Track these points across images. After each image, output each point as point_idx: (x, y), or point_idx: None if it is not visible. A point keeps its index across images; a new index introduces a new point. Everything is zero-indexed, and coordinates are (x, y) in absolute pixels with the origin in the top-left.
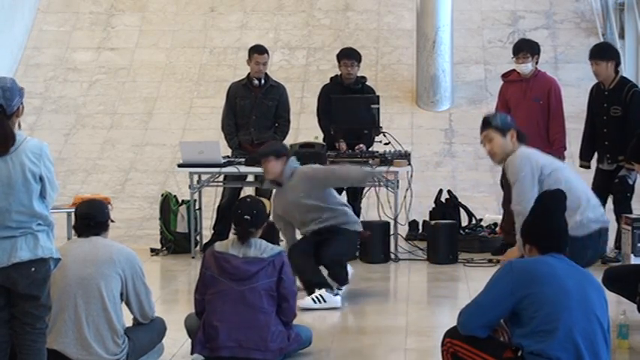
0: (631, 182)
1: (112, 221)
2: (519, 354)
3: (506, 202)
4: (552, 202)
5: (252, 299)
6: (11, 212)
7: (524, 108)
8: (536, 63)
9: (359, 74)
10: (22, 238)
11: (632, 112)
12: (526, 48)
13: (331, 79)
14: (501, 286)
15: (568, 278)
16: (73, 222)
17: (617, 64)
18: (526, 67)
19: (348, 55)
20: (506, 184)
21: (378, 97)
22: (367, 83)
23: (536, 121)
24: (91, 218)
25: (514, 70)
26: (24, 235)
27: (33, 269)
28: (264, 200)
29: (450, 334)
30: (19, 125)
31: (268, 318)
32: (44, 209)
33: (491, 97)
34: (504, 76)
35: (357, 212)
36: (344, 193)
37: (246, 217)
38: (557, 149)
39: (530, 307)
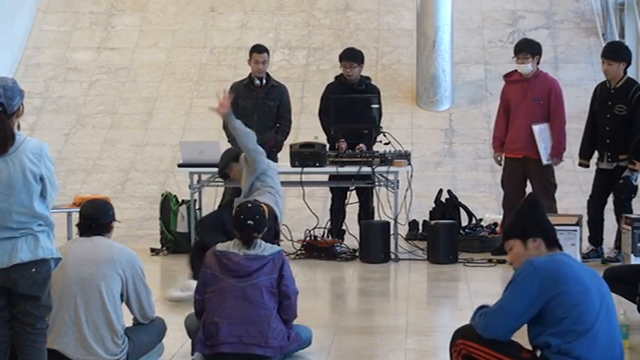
0: (635, 183)
1: (118, 222)
2: (538, 354)
3: (507, 202)
4: None
5: (253, 295)
6: (12, 213)
7: (525, 108)
8: (538, 63)
9: (362, 74)
10: (22, 239)
11: (638, 113)
12: (526, 49)
13: (336, 77)
14: (528, 289)
15: (586, 278)
16: (77, 220)
17: (628, 64)
18: (526, 68)
19: (348, 57)
20: (506, 184)
21: (378, 97)
22: (372, 82)
23: (535, 121)
24: (93, 219)
25: (516, 71)
26: (24, 236)
27: (34, 270)
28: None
29: (462, 335)
30: (19, 126)
31: (269, 314)
32: (45, 209)
33: (491, 97)
34: (506, 76)
35: (372, 211)
36: (353, 192)
37: (249, 222)
38: (556, 149)
39: (558, 308)
